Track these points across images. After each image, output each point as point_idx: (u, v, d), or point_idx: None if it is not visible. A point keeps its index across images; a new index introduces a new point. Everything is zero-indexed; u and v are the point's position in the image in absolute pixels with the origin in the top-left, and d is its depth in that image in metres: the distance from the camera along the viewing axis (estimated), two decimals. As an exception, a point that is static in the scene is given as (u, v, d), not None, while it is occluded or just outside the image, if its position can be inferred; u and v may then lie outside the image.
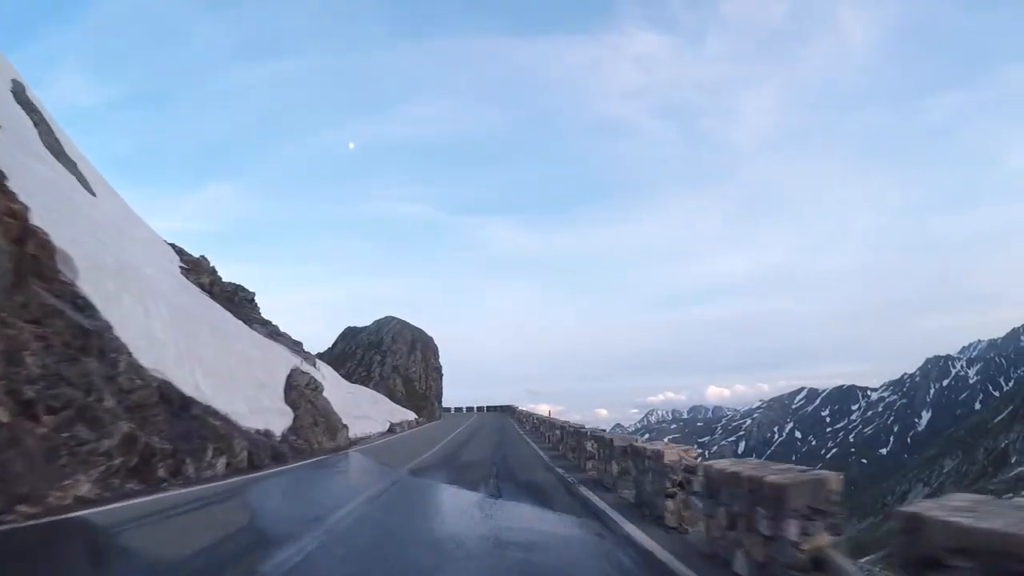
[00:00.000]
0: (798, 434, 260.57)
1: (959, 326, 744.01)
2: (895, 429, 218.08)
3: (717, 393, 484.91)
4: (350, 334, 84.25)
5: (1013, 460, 68.08)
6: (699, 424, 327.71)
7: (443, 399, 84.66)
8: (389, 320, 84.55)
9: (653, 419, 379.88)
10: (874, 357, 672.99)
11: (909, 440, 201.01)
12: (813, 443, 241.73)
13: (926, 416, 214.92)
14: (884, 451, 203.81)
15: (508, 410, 79.94)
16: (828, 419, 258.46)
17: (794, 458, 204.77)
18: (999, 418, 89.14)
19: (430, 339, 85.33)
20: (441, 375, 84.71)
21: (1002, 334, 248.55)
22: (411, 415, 52.82)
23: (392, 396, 60.45)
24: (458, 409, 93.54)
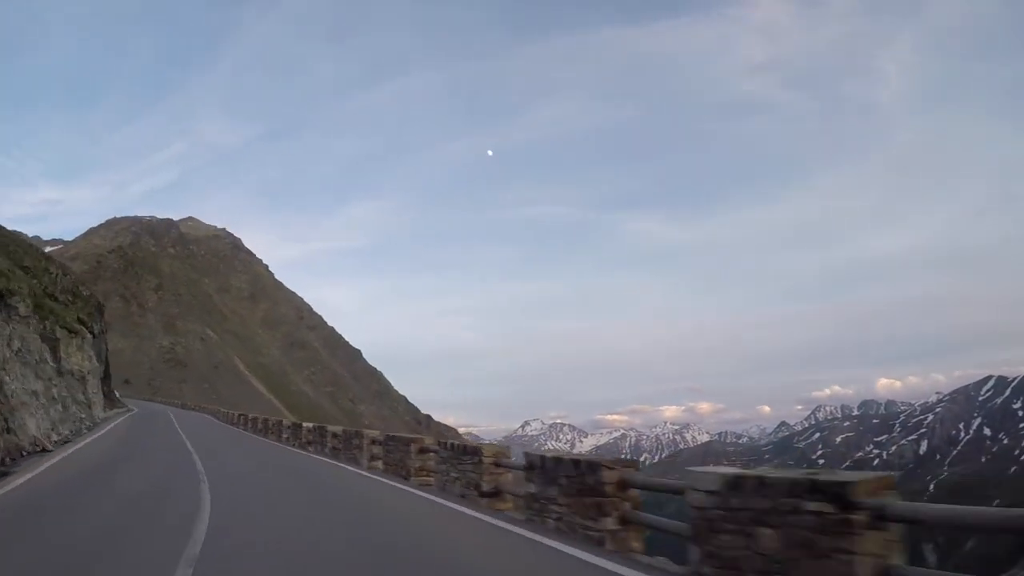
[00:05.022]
0: (987, 430, 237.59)
1: None
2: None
3: (888, 385, 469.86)
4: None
5: None
6: (874, 421, 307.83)
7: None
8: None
9: (821, 416, 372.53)
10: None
11: None
12: (1005, 441, 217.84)
13: None
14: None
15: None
16: (1021, 412, 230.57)
17: (983, 459, 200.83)
18: None
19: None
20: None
21: None
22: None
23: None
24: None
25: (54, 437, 22.73)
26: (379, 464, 16.69)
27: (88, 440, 24.59)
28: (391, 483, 14.02)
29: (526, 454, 9.25)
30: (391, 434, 16.26)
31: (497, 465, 10.68)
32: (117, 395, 67.50)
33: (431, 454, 14.00)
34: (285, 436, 26.82)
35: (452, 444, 12.80)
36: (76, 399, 31.56)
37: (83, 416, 30.49)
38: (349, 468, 17.16)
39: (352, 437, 18.66)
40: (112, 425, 33.33)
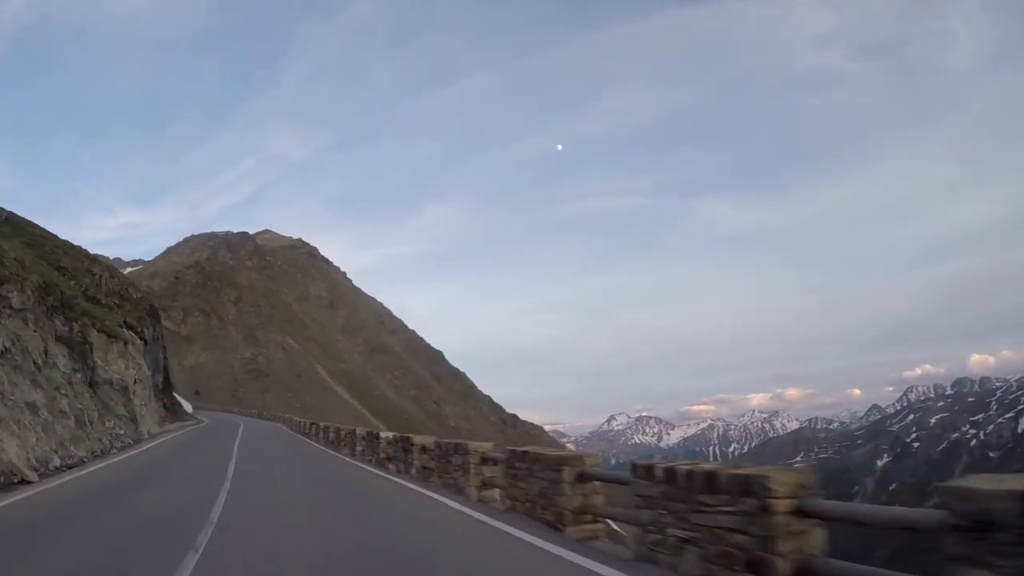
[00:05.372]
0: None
1: None
2: None
3: (980, 362, 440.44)
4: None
5: None
6: (970, 400, 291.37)
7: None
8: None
9: (913, 397, 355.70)
10: None
11: None
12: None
13: None
14: None
15: None
16: None
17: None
18: None
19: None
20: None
21: None
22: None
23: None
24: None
25: (55, 462, 16.99)
26: (495, 494, 9.96)
27: (110, 462, 18.90)
28: (532, 539, 7.10)
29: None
30: (517, 448, 9.19)
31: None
32: (188, 407, 63.95)
33: (593, 483, 7.46)
34: (359, 448, 20.32)
35: (674, 469, 5.63)
36: (114, 412, 26.23)
37: (121, 432, 25.08)
38: (447, 503, 10.29)
39: (450, 453, 11.71)
40: (159, 441, 27.94)
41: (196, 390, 78.09)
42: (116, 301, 35.92)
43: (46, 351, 19.99)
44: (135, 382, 30.40)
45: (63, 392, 19.75)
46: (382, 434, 17.40)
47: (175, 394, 73.94)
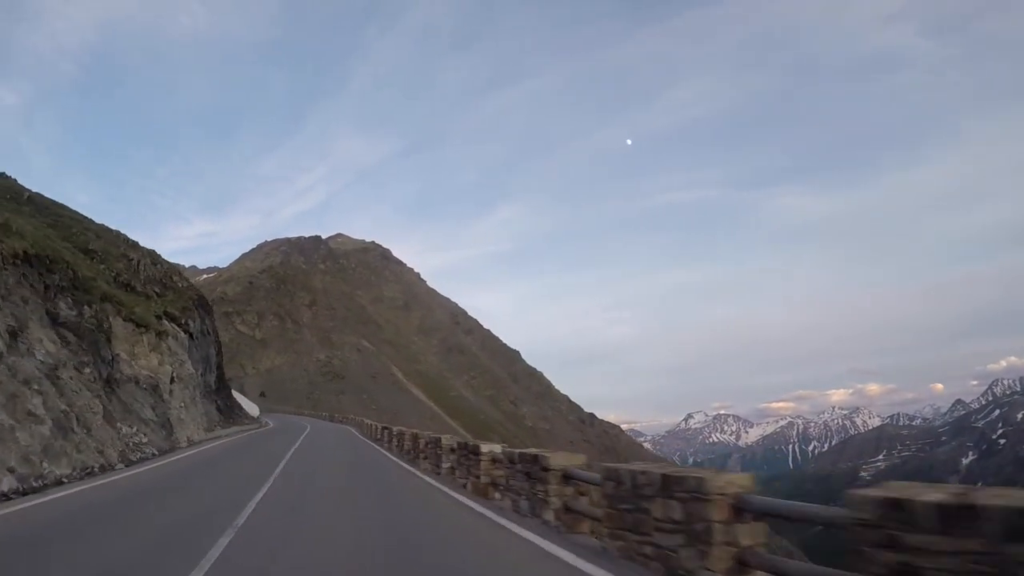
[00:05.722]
0: None
1: None
2: None
3: None
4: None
5: None
6: None
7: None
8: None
9: (998, 391, 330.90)
10: None
11: None
12: None
13: None
14: None
15: None
16: None
17: None
18: None
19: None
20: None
21: None
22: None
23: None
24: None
25: (4, 485, 11.38)
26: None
27: (103, 481, 13.24)
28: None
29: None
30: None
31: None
32: (253, 410, 59.74)
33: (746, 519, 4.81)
34: (447, 465, 13.89)
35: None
36: (138, 415, 20.86)
37: (145, 439, 19.64)
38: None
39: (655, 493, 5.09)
40: (197, 450, 22.49)
41: (261, 392, 74.40)
42: (157, 290, 31.03)
43: (14, 333, 14.51)
44: (173, 380, 25.13)
45: (36, 388, 14.18)
46: (485, 448, 10.71)
47: (238, 395, 69.92)
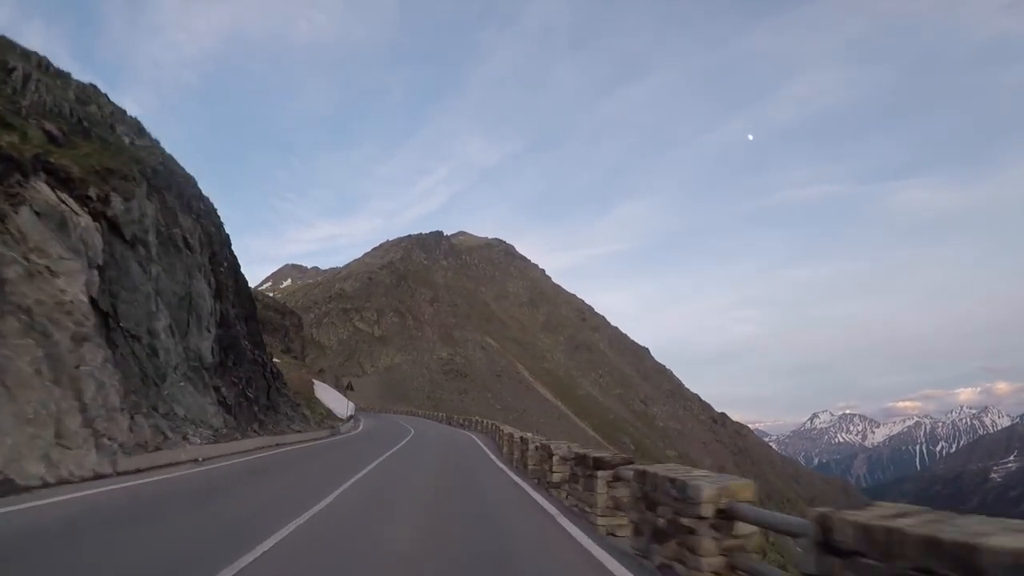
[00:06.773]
0: None
1: None
2: None
3: None
4: None
5: None
6: None
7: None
8: None
9: None
10: None
11: None
12: None
13: None
14: None
15: None
16: None
17: None
18: None
19: None
20: None
21: None
22: None
23: None
24: None
25: None
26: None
27: None
28: None
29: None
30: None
31: None
32: (343, 408, 50.26)
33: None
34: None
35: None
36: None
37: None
38: None
39: None
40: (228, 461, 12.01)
41: (348, 383, 64.95)
42: (55, 130, 18.45)
43: None
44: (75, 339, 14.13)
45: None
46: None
47: (322, 386, 58.95)
